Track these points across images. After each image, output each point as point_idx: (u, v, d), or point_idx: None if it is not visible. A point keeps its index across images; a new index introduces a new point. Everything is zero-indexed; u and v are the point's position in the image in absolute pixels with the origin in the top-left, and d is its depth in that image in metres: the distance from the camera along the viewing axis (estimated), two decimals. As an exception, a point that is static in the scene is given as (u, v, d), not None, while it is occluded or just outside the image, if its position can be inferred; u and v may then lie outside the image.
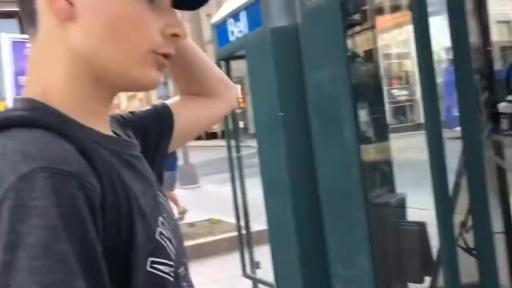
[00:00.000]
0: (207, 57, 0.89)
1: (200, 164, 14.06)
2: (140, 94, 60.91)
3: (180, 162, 12.25)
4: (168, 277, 0.57)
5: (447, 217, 1.62)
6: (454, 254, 1.62)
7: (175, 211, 6.94)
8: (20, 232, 0.43)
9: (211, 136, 34.36)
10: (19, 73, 4.66)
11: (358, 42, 2.78)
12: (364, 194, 2.04)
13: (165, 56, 0.63)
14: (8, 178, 0.45)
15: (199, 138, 38.67)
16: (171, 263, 0.58)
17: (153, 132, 0.78)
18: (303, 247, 2.59)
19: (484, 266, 1.69)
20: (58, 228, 0.44)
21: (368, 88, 2.56)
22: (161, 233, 0.57)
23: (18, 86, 4.66)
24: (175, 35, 0.62)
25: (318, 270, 2.50)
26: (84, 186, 0.48)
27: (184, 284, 0.63)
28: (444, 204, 1.61)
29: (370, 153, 2.37)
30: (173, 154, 7.01)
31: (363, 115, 2.32)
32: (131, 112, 0.80)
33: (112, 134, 0.65)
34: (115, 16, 0.58)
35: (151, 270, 0.55)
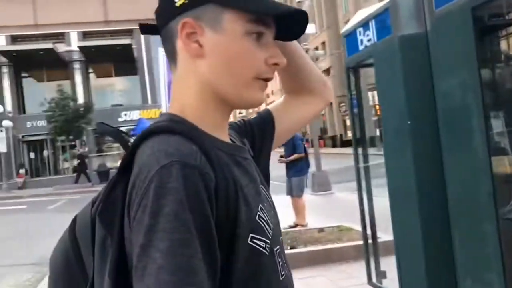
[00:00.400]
0: (308, 57, 1.06)
1: (333, 171, 14.03)
2: (278, 102, 62.80)
3: (313, 168, 12.40)
4: (264, 251, 0.72)
5: None
6: None
7: (294, 219, 7.01)
8: (160, 204, 0.63)
9: (346, 143, 33.96)
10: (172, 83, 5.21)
11: (498, 47, 2.62)
12: (495, 208, 1.93)
13: (267, 79, 0.81)
14: (154, 167, 0.65)
15: (333, 145, 38.41)
16: (268, 240, 0.73)
17: (258, 137, 0.97)
18: (431, 259, 2.51)
19: None
20: (184, 203, 0.63)
21: (504, 96, 2.40)
22: (259, 216, 0.73)
23: (171, 95, 5.19)
24: (275, 64, 0.80)
25: (445, 283, 2.41)
26: (204, 176, 0.66)
27: (279, 260, 0.76)
28: None
29: (504, 165, 2.22)
30: (303, 160, 7.11)
31: (497, 124, 2.19)
32: (243, 119, 1.00)
33: (229, 141, 0.82)
34: (232, 54, 0.77)
35: (250, 243, 0.70)
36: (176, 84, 0.81)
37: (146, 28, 0.87)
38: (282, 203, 7.29)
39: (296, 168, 7.00)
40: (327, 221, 6.89)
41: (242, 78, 0.78)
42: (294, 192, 6.96)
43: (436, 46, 2.29)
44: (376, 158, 4.26)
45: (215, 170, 0.69)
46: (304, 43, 13.21)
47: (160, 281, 0.59)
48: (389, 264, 3.45)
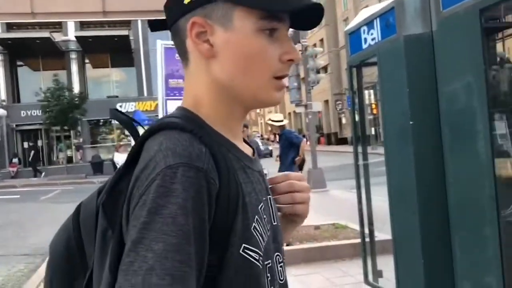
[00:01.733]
0: None
1: (329, 169, 14.06)
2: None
3: (309, 166, 12.40)
4: (257, 263, 0.70)
5: None
6: None
7: None
8: (159, 204, 0.61)
9: (342, 141, 34.02)
10: (169, 76, 5.15)
11: (503, 49, 2.62)
12: (497, 211, 1.92)
13: (282, 77, 0.77)
14: (160, 165, 0.64)
15: (329, 143, 38.49)
16: (260, 253, 0.71)
17: None
18: (429, 261, 2.51)
19: None
20: (185, 207, 0.61)
21: (508, 98, 2.39)
22: (255, 227, 0.71)
23: (168, 88, 5.14)
24: (291, 60, 0.76)
25: (443, 285, 2.41)
26: (208, 180, 0.65)
27: (268, 275, 0.73)
28: None
29: (506, 168, 2.22)
30: (289, 155, 7.09)
31: (501, 127, 2.18)
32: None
33: (240, 144, 0.79)
34: (244, 53, 0.74)
35: (243, 253, 0.69)
36: (189, 80, 0.79)
37: (156, 25, 0.84)
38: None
39: (289, 161, 7.01)
40: (323, 218, 6.90)
41: (257, 79, 0.75)
42: None
43: (441, 47, 2.27)
44: (372, 156, 4.27)
45: (220, 175, 0.67)
46: (303, 40, 13.18)
47: (148, 283, 0.57)
48: (385, 264, 3.45)
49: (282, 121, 7.47)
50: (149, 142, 0.69)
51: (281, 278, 0.78)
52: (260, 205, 0.74)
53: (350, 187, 3.64)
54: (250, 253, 0.69)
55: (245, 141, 0.86)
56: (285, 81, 0.78)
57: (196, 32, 0.74)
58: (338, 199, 9.58)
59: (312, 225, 6.23)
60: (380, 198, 2.87)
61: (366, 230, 3.65)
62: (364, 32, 2.89)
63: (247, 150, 0.82)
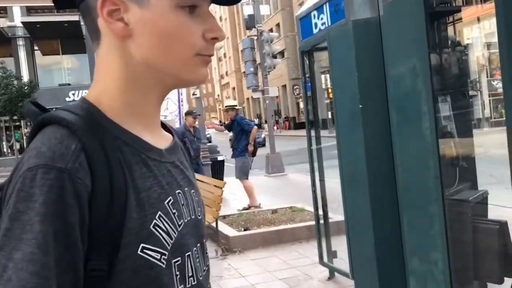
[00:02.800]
0: None
1: (287, 153, 14.20)
2: (233, 83, 62.47)
3: (267, 151, 12.48)
4: (158, 262, 0.66)
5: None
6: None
7: (247, 202, 7.06)
8: (19, 210, 0.59)
9: (299, 126, 34.38)
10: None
11: (447, 34, 2.70)
12: (441, 189, 2.00)
13: (209, 55, 0.73)
14: (23, 167, 0.61)
15: (288, 127, 38.84)
16: (164, 251, 0.67)
17: None
18: (380, 240, 2.60)
19: None
20: (42, 213, 0.58)
21: (451, 81, 2.48)
22: (156, 224, 0.67)
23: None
24: (215, 38, 0.72)
25: (394, 263, 2.50)
26: (74, 180, 0.61)
27: (177, 273, 0.70)
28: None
29: (450, 147, 2.31)
30: (242, 141, 7.11)
31: (445, 109, 2.27)
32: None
33: (142, 137, 0.72)
34: (162, 31, 0.69)
35: (141, 253, 0.65)
36: (100, 64, 0.73)
37: (61, 2, 0.76)
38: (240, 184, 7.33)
39: (240, 148, 7.04)
40: (281, 202, 6.98)
41: (179, 57, 0.70)
42: (237, 174, 7.03)
43: (388, 31, 2.32)
44: (328, 140, 4.34)
45: (95, 173, 0.63)
46: (258, 25, 13.14)
47: None
48: (340, 244, 3.55)
49: (235, 106, 7.46)
50: (34, 139, 0.65)
51: (199, 274, 0.75)
52: (168, 200, 0.70)
53: (308, 170, 3.71)
54: (150, 252, 0.66)
55: (166, 128, 0.82)
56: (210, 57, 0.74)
57: (108, 10, 0.68)
58: (296, 182, 9.71)
59: (270, 209, 6.30)
60: (336, 181, 2.94)
61: (321, 212, 3.73)
62: (314, 17, 2.91)
63: (164, 140, 0.78)
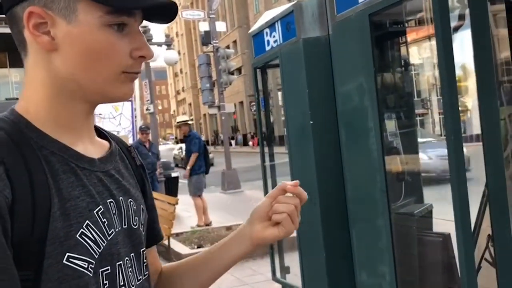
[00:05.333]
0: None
1: (243, 169, 14.22)
2: (189, 99, 62.15)
3: (223, 167, 12.46)
4: (85, 271, 0.66)
5: (466, 228, 1.64)
6: (472, 265, 1.63)
7: (197, 220, 7.02)
8: None
9: (246, 143, 34.51)
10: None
11: (394, 53, 2.80)
12: (387, 203, 2.06)
13: (135, 73, 0.74)
14: None
15: (245, 144, 38.98)
16: (91, 260, 0.67)
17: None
18: (330, 254, 2.63)
19: (504, 279, 1.68)
20: None
21: (397, 99, 2.58)
22: (83, 233, 0.67)
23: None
24: (142, 57, 0.73)
25: (344, 277, 2.53)
26: None
27: (105, 282, 0.70)
28: (462, 215, 1.63)
29: (396, 163, 2.38)
30: (202, 158, 7.10)
31: (391, 126, 2.34)
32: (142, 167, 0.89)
33: (73, 147, 0.72)
34: (89, 47, 0.69)
35: (67, 262, 0.65)
36: (26, 75, 0.73)
37: None
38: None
39: (194, 166, 7.02)
40: (236, 219, 6.96)
41: (104, 75, 0.71)
42: (192, 191, 7.01)
43: (336, 50, 2.39)
44: (285, 156, 4.37)
45: (15, 183, 0.63)
46: (214, 41, 13.21)
47: None
48: (293, 260, 3.56)
49: (187, 121, 7.44)
50: None
51: (132, 283, 0.74)
52: (97, 209, 0.70)
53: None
54: (76, 261, 0.66)
55: (104, 136, 0.82)
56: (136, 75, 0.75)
57: (34, 23, 0.68)
58: (252, 199, 9.73)
59: (224, 226, 6.27)
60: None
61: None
62: (266, 35, 2.96)
63: (98, 149, 0.78)
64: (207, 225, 6.70)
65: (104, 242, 0.70)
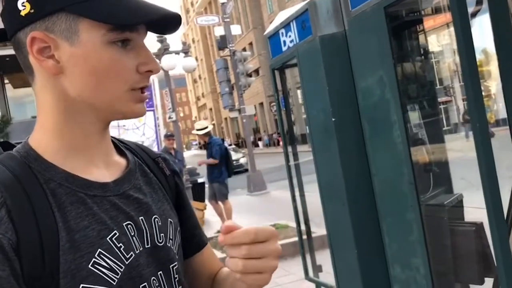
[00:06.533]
0: None
1: (268, 171, 14.23)
2: (209, 104, 62.49)
3: (248, 169, 12.49)
4: None
5: (498, 215, 1.61)
6: (508, 253, 1.60)
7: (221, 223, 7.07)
8: None
9: (275, 143, 34.46)
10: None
11: (413, 43, 2.77)
12: (416, 195, 2.04)
13: (142, 88, 0.74)
14: None
15: (267, 144, 39.00)
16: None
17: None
18: (362, 250, 2.61)
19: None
20: None
21: (419, 90, 2.55)
22: (95, 263, 0.67)
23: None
24: (149, 71, 0.73)
25: (377, 271, 2.52)
26: None
27: None
28: (494, 201, 1.60)
29: (422, 154, 2.36)
30: (221, 166, 7.12)
31: (414, 117, 2.32)
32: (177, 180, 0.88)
33: (85, 173, 0.72)
34: (94, 66, 0.69)
35: None
36: (37, 101, 0.74)
37: None
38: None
39: (214, 173, 7.05)
40: (264, 220, 6.98)
41: (112, 93, 0.70)
42: (218, 197, 7.06)
43: (354, 45, 2.38)
44: (308, 155, 4.36)
45: (17, 224, 0.63)
46: (230, 45, 13.26)
47: None
48: (324, 258, 3.55)
49: (206, 128, 7.42)
50: None
51: None
52: (111, 235, 0.69)
53: (289, 186, 3.85)
54: None
55: (121, 152, 0.81)
56: (146, 92, 0.74)
57: (38, 48, 0.68)
58: (279, 199, 9.72)
59: (254, 227, 6.28)
60: (317, 195, 2.96)
61: (303, 227, 3.74)
62: (282, 35, 2.96)
63: (114, 169, 0.76)
64: None
65: (121, 268, 0.69)
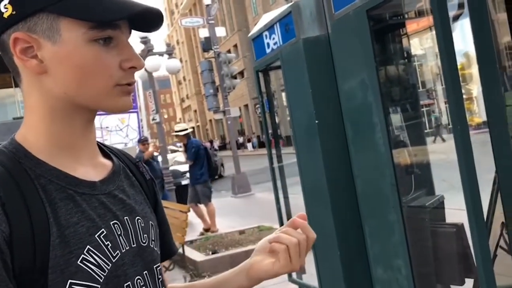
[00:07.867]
0: None
1: (253, 173, 14.22)
2: (194, 106, 62.32)
3: (232, 171, 12.48)
4: None
5: (478, 216, 1.63)
6: (487, 254, 1.62)
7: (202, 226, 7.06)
8: None
9: (264, 144, 34.51)
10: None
11: (395, 46, 2.80)
12: (398, 197, 2.06)
13: (129, 84, 0.74)
14: None
15: (254, 147, 39.01)
16: (96, 285, 0.68)
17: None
18: (345, 251, 2.63)
19: (520, 266, 1.67)
20: None
21: (401, 92, 2.57)
22: (84, 259, 0.67)
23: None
24: (133, 68, 0.73)
25: (360, 273, 2.53)
26: None
27: None
28: (474, 203, 1.62)
29: (404, 156, 2.38)
30: (201, 167, 7.13)
31: (396, 120, 2.34)
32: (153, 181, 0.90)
33: (73, 172, 0.73)
34: (77, 65, 0.70)
35: None
36: (24, 101, 0.75)
37: None
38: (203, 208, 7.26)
39: (195, 175, 7.05)
40: (248, 222, 6.97)
41: (96, 90, 0.71)
42: (201, 199, 7.06)
43: (337, 48, 2.39)
44: (293, 156, 4.37)
45: (11, 217, 0.64)
46: (215, 47, 13.24)
47: None
48: (308, 260, 3.53)
49: (186, 129, 7.44)
50: None
51: None
52: (99, 232, 0.70)
53: (273, 188, 3.86)
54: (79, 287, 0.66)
55: (107, 155, 0.82)
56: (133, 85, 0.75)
57: (21, 48, 0.70)
58: (263, 201, 9.72)
59: (237, 230, 6.28)
60: (300, 197, 2.97)
61: (287, 229, 3.74)
62: (266, 37, 2.96)
63: (100, 169, 0.78)
64: (213, 231, 6.72)
65: (108, 265, 0.70)
